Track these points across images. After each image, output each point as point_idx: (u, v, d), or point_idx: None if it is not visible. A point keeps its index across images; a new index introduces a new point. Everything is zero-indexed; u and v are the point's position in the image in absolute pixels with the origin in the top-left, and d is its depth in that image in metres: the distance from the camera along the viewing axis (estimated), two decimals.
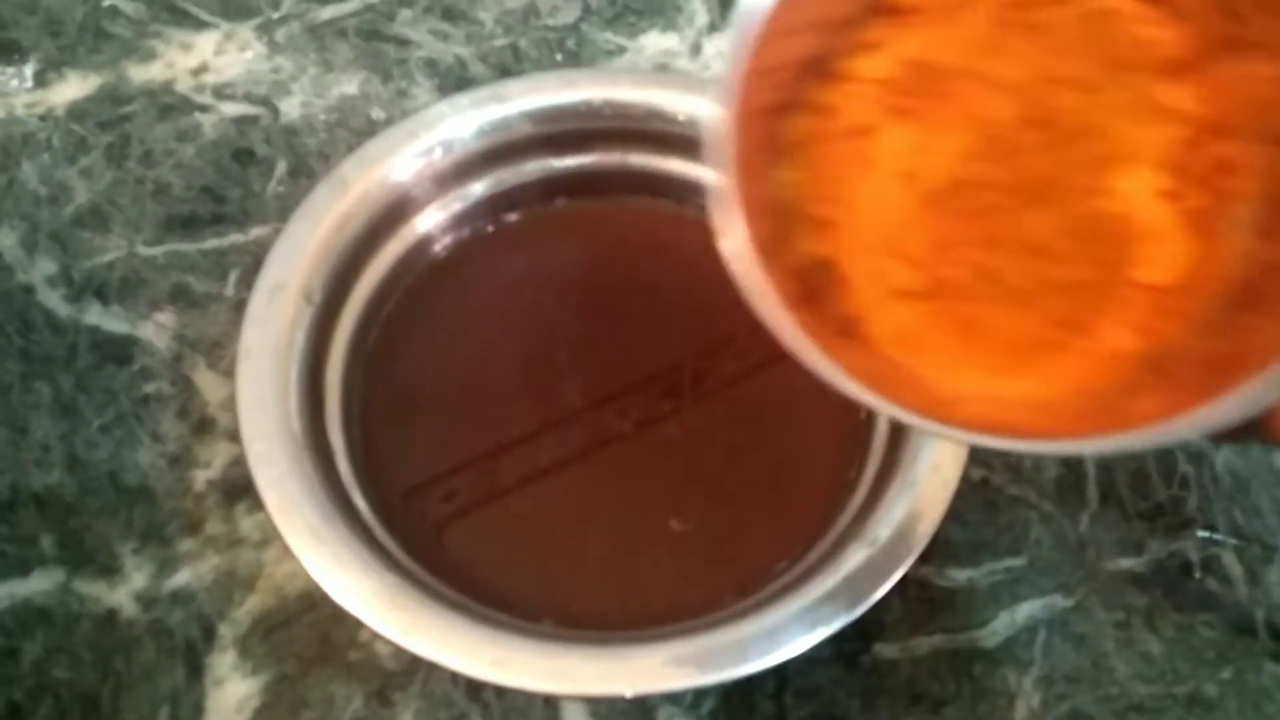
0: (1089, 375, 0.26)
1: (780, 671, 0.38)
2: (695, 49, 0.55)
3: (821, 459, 0.40)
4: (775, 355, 0.42)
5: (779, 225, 0.28)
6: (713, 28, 0.56)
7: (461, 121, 0.42)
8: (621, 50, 0.55)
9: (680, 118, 0.43)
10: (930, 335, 0.28)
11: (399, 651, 0.33)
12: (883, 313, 0.28)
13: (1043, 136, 0.27)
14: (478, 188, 0.44)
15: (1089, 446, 0.25)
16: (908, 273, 0.27)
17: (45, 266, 0.47)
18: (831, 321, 0.28)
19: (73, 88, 0.52)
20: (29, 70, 0.53)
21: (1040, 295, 0.27)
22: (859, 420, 0.40)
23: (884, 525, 0.35)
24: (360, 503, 0.37)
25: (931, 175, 0.28)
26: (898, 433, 0.38)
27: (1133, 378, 0.26)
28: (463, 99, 0.43)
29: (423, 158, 0.42)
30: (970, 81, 0.27)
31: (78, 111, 0.51)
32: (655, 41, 0.55)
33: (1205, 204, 0.26)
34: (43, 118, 0.51)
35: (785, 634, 0.33)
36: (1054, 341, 0.27)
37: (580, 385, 0.42)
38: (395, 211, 0.42)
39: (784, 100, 0.28)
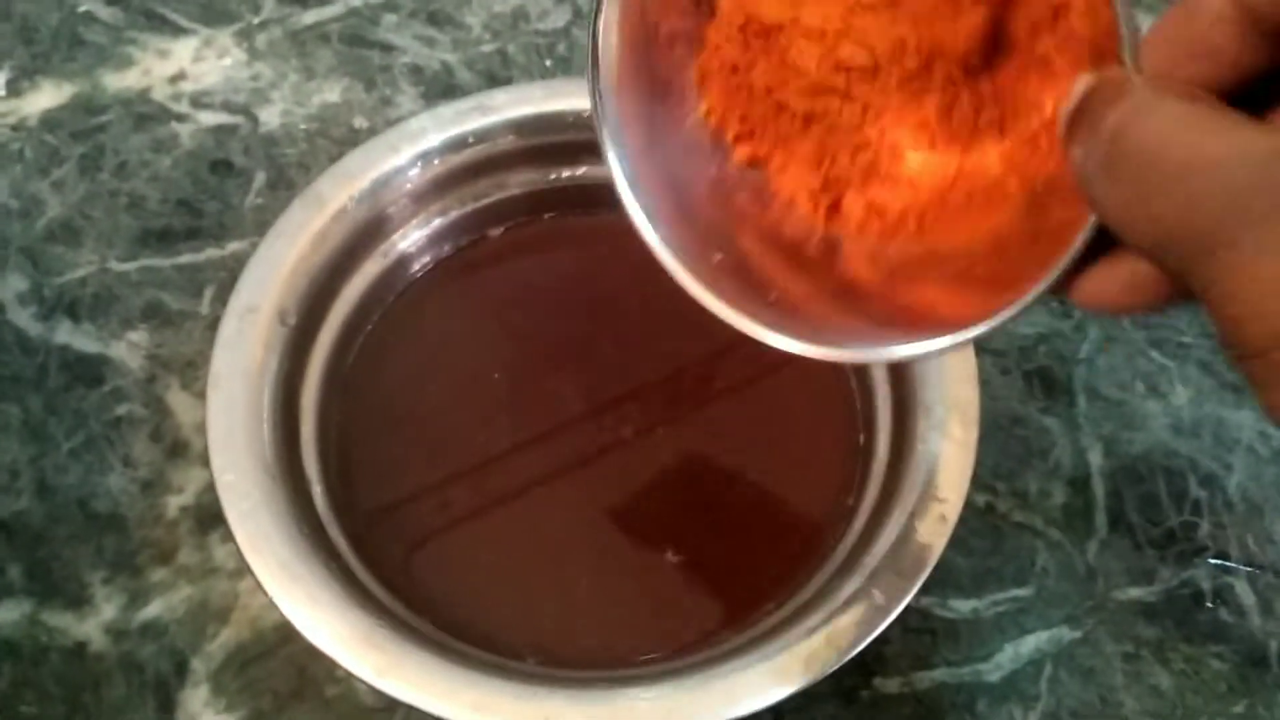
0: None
1: (776, 709, 0.36)
2: None
3: (819, 483, 0.39)
4: (765, 376, 0.41)
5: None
6: None
7: (443, 134, 0.40)
8: None
9: None
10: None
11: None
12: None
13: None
14: (460, 203, 0.42)
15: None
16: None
17: (15, 283, 0.45)
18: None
19: (46, 96, 0.50)
20: (1, 78, 0.51)
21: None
22: (858, 444, 0.39)
23: (882, 558, 0.33)
24: (335, 534, 0.36)
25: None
26: (898, 457, 0.36)
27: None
28: (446, 110, 0.41)
29: (402, 173, 0.40)
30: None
31: (51, 121, 0.50)
32: None
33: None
34: (14, 128, 0.49)
35: (781, 674, 0.32)
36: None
37: (566, 406, 0.40)
38: (374, 229, 0.40)
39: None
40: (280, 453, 0.35)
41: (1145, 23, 0.21)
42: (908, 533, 0.34)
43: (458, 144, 0.41)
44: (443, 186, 0.41)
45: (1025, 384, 0.44)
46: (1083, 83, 0.21)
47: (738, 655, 0.33)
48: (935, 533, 0.34)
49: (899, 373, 0.38)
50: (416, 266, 0.42)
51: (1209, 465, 0.43)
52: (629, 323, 0.42)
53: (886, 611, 0.32)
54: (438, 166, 0.41)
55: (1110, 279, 0.22)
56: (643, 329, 0.42)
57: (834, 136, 0.28)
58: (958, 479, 0.34)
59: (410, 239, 0.41)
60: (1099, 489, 0.42)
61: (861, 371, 0.40)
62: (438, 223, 0.42)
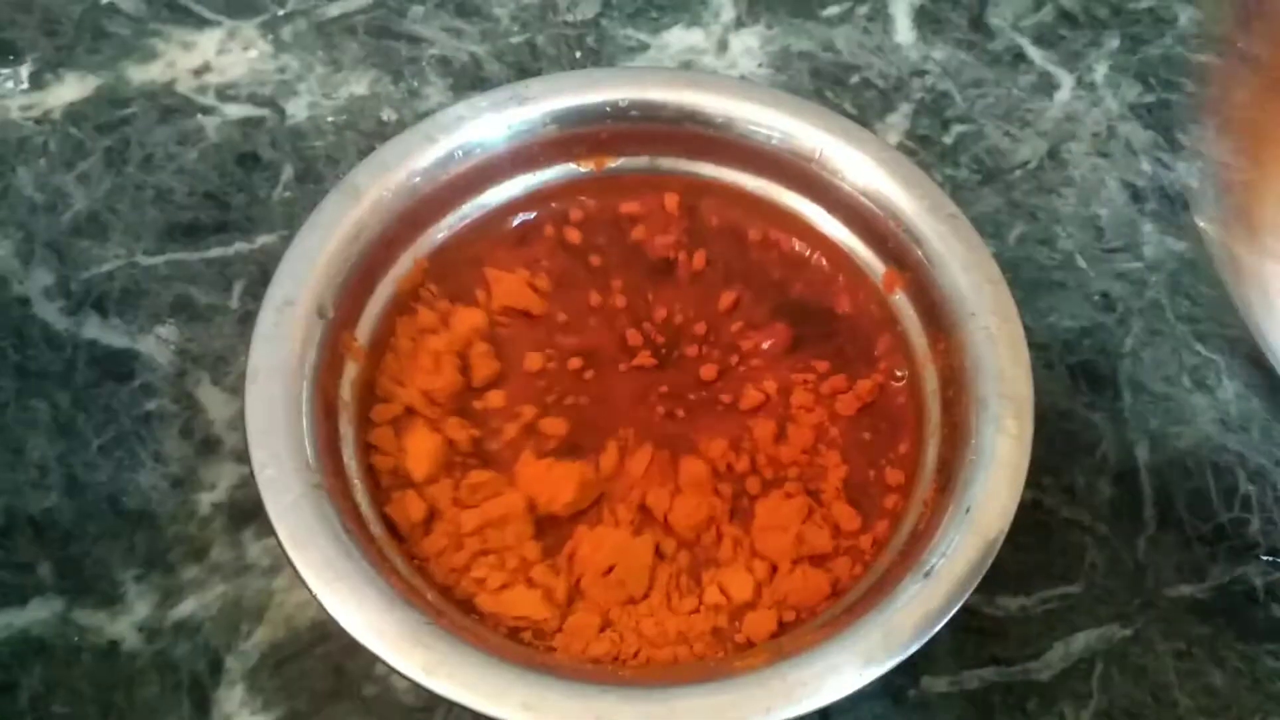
0: None
1: (824, 709, 0.35)
2: (722, 45, 0.53)
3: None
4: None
5: None
6: (739, 23, 0.54)
7: (482, 124, 0.40)
8: (644, 47, 0.53)
9: (716, 120, 0.41)
10: None
11: (417, 686, 0.31)
12: None
13: None
14: (497, 194, 0.41)
15: None
16: None
17: (41, 277, 0.44)
18: None
19: (70, 89, 0.50)
20: (24, 71, 0.50)
21: None
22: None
23: (938, 555, 0.33)
24: (377, 530, 0.35)
25: None
26: (951, 452, 0.36)
27: None
28: (480, 100, 0.41)
29: (440, 163, 0.39)
30: None
31: (75, 114, 0.49)
32: (679, 38, 0.53)
33: None
34: (39, 121, 0.49)
35: (834, 673, 0.31)
36: None
37: (614, 401, 0.39)
38: (409, 221, 0.39)
39: None
40: (320, 447, 0.34)
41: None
42: (965, 528, 0.33)
43: (498, 134, 0.40)
44: (481, 177, 0.40)
45: (1070, 378, 0.44)
46: None
47: (789, 655, 0.32)
48: (993, 527, 0.33)
49: (949, 365, 0.37)
50: (455, 257, 0.41)
51: (1258, 460, 0.42)
52: (669, 321, 0.42)
53: (945, 608, 0.32)
54: (477, 157, 0.40)
55: None
56: (683, 332, 0.41)
57: None
58: (1013, 473, 0.34)
59: (448, 229, 0.41)
60: (1147, 484, 0.42)
61: (912, 362, 0.39)
62: (476, 214, 0.41)
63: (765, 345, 0.40)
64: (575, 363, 0.40)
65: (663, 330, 0.41)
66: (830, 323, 0.41)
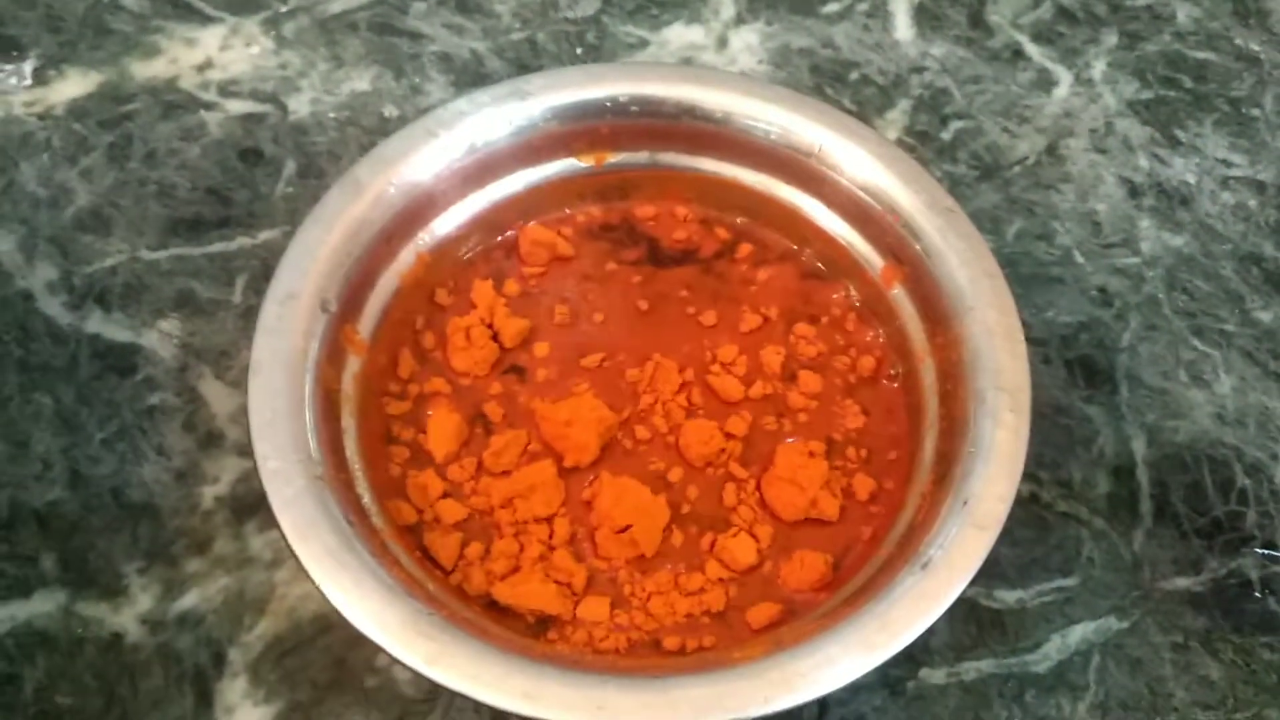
0: None
1: (821, 699, 0.36)
2: (721, 42, 0.53)
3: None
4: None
5: None
6: (739, 20, 0.54)
7: (483, 119, 0.40)
8: (644, 44, 0.53)
9: (716, 115, 0.41)
10: None
11: (419, 678, 0.31)
12: None
13: None
14: (499, 189, 0.42)
15: None
16: None
17: (45, 272, 0.45)
18: None
19: (73, 85, 0.50)
20: (28, 67, 0.50)
21: None
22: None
23: (935, 546, 0.33)
24: (379, 522, 0.35)
25: None
26: (948, 444, 0.36)
27: None
28: (482, 95, 0.41)
29: (442, 158, 0.40)
30: None
31: (78, 110, 0.49)
32: (679, 34, 0.53)
33: None
34: (42, 117, 0.49)
35: (832, 664, 0.31)
36: None
37: (616, 386, 0.40)
38: (413, 215, 0.40)
39: None
40: (323, 439, 0.35)
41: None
42: (962, 520, 0.33)
43: (500, 129, 0.40)
44: (483, 172, 0.41)
45: (1067, 372, 0.44)
46: None
47: (787, 645, 0.32)
48: (990, 520, 0.33)
49: (947, 358, 0.37)
50: (457, 252, 0.41)
51: (1254, 454, 0.42)
52: (669, 311, 0.42)
53: (942, 600, 0.32)
54: (479, 152, 0.40)
55: None
56: (683, 318, 0.42)
57: None
58: (1011, 466, 0.34)
59: (450, 225, 0.41)
60: (1143, 478, 0.42)
61: (910, 356, 0.39)
62: (477, 209, 0.41)
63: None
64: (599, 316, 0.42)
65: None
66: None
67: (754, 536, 0.37)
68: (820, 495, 0.37)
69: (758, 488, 0.38)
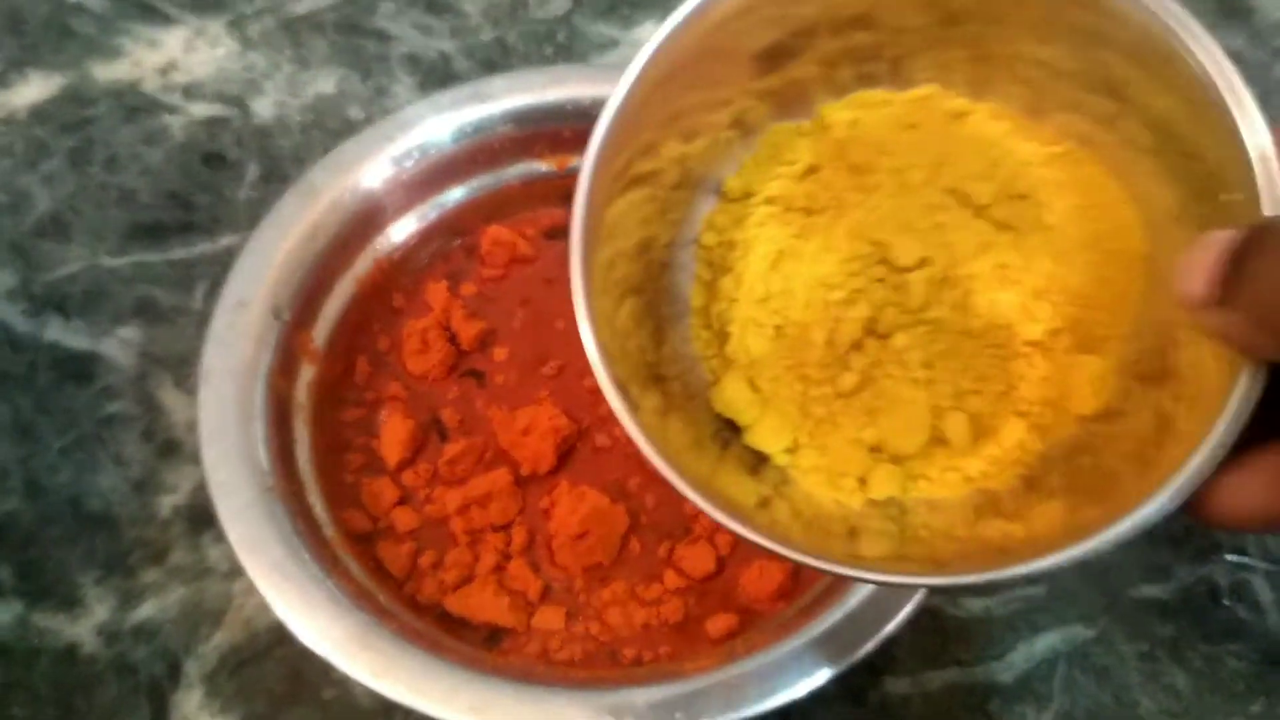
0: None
1: (783, 710, 0.35)
2: None
3: None
4: None
5: None
6: None
7: (439, 123, 0.40)
8: (615, 44, 0.52)
9: None
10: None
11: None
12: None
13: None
14: (459, 193, 0.41)
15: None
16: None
17: (3, 279, 0.44)
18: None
19: (34, 89, 0.49)
20: None
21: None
22: None
23: None
24: (331, 533, 0.35)
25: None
26: None
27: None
28: (443, 98, 0.40)
29: (397, 163, 0.39)
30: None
31: (40, 114, 0.49)
32: (651, 33, 0.53)
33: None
34: (3, 121, 0.48)
35: (786, 674, 0.31)
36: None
37: (570, 392, 0.39)
38: (367, 220, 0.39)
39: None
40: (273, 450, 0.34)
41: None
42: None
43: (452, 133, 0.40)
44: (437, 177, 0.40)
45: None
46: (1219, 242, 0.20)
47: (740, 655, 0.32)
48: None
49: None
50: (412, 258, 0.41)
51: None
52: None
53: (901, 608, 0.32)
54: (434, 156, 0.40)
55: (1250, 484, 0.21)
56: None
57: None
58: None
59: (406, 231, 0.40)
60: None
61: None
62: (433, 214, 0.41)
63: None
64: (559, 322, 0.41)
65: None
66: None
67: (713, 545, 0.36)
68: None
69: None
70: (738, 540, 0.36)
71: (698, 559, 0.36)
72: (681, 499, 0.35)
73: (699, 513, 0.36)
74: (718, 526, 0.36)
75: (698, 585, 0.36)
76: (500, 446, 0.38)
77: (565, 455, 0.38)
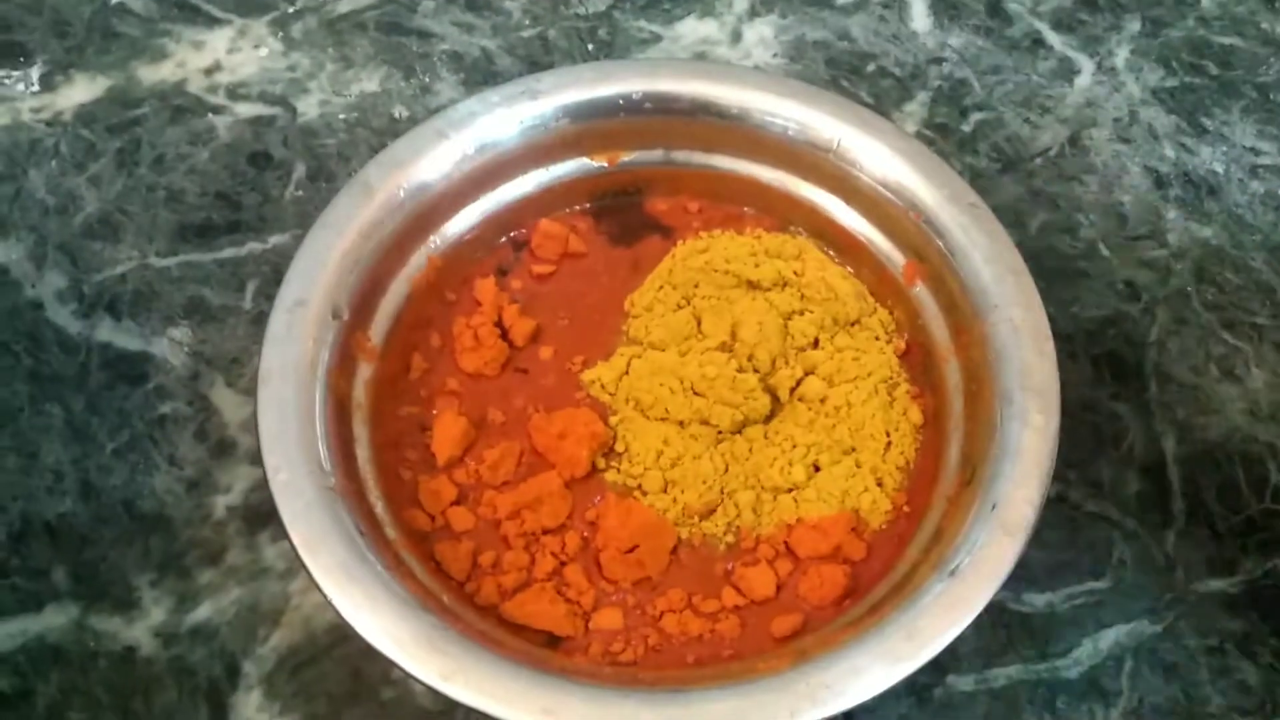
0: None
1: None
2: (736, 36, 0.52)
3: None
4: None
5: None
6: (754, 13, 0.53)
7: (494, 120, 0.39)
8: (657, 39, 0.52)
9: (732, 111, 0.40)
10: None
11: (435, 691, 0.30)
12: None
13: None
14: (511, 190, 0.41)
15: None
16: None
17: (54, 280, 0.44)
18: None
19: (80, 90, 0.49)
20: (35, 73, 0.50)
21: None
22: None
23: (963, 552, 0.32)
24: (393, 533, 0.35)
25: None
26: (974, 446, 0.35)
27: None
28: (492, 95, 0.40)
29: (453, 159, 0.39)
30: None
31: (86, 115, 0.49)
32: (692, 29, 0.52)
33: None
34: (50, 123, 0.48)
35: (858, 675, 0.30)
36: None
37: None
38: (422, 217, 0.39)
39: None
40: (334, 450, 0.34)
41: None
42: (990, 524, 0.32)
43: (511, 129, 0.39)
44: (494, 173, 0.40)
45: (1094, 369, 0.43)
46: None
47: (811, 658, 0.31)
48: (1019, 523, 0.32)
49: (972, 358, 0.37)
50: (470, 255, 0.41)
51: None
52: None
53: (971, 607, 0.31)
54: (489, 152, 0.39)
55: None
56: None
57: None
58: (1040, 468, 0.33)
59: (462, 226, 0.40)
60: (1175, 476, 0.41)
61: (933, 356, 0.39)
62: (487, 211, 0.40)
63: None
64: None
65: None
66: None
67: (774, 569, 0.36)
68: (845, 540, 0.36)
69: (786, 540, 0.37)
70: (797, 563, 0.36)
71: (758, 581, 0.35)
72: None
73: (758, 544, 0.36)
74: (778, 554, 0.36)
75: (756, 605, 0.36)
76: (537, 449, 0.38)
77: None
